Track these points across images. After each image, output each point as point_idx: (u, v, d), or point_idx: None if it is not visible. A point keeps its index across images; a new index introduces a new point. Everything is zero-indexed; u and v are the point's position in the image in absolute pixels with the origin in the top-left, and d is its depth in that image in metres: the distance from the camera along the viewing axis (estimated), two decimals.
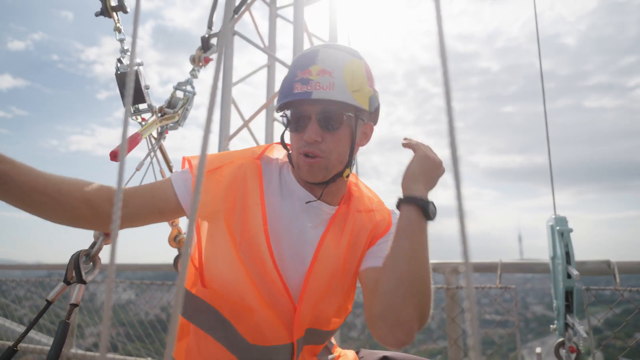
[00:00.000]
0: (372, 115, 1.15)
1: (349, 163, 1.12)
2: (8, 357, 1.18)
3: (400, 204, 1.02)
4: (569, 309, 1.88)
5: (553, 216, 1.97)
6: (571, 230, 1.90)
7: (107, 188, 1.04)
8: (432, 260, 2.38)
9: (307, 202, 1.14)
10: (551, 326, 1.97)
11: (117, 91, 1.51)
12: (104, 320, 0.35)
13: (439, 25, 0.33)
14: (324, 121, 1.05)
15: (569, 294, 1.88)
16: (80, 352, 3.18)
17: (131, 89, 0.37)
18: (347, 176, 1.14)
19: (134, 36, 0.41)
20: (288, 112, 1.10)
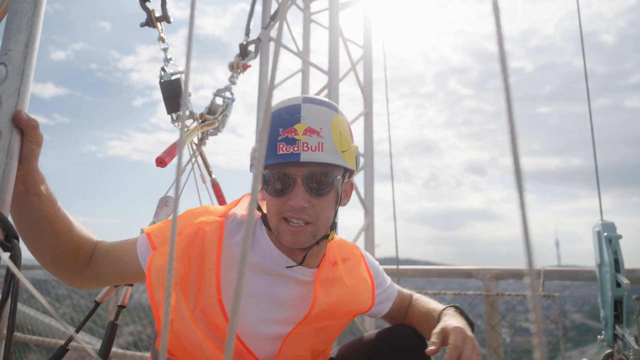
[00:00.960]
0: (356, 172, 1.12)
1: (334, 225, 1.07)
2: (60, 356, 1.23)
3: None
4: (617, 319, 1.79)
5: (600, 222, 1.89)
6: (620, 237, 1.81)
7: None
8: (470, 265, 2.34)
9: (287, 267, 1.07)
10: (598, 337, 1.88)
11: (152, 97, 1.62)
12: (164, 325, 0.36)
13: (498, 33, 0.32)
14: (312, 185, 0.98)
15: (617, 304, 1.79)
16: (120, 351, 3.29)
17: (186, 98, 0.38)
18: (332, 239, 1.09)
19: (189, 46, 0.42)
20: (266, 172, 1.00)
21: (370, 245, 2.58)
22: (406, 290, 1.39)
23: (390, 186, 2.72)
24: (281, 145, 0.95)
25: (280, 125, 0.97)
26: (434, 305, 1.23)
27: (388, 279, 1.32)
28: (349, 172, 1.07)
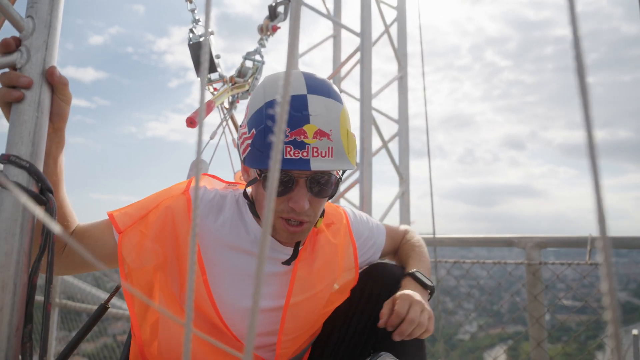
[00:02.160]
0: None
1: (322, 212, 1.03)
2: (100, 314, 1.27)
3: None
4: None
5: None
6: None
7: (75, 225, 1.00)
8: (510, 234, 2.24)
9: (283, 263, 1.04)
10: None
11: (187, 79, 1.60)
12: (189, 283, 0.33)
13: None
14: (315, 187, 0.93)
15: None
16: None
17: (206, 61, 0.35)
18: (319, 226, 1.06)
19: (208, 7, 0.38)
20: (266, 171, 0.93)
21: (405, 213, 2.52)
22: (398, 228, 1.35)
23: (425, 162, 2.63)
24: (288, 149, 0.87)
25: (287, 124, 0.88)
26: (410, 261, 1.21)
27: (374, 228, 1.26)
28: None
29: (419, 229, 1.40)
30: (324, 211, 1.04)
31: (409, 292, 1.04)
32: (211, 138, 1.49)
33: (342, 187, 2.44)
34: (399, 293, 1.04)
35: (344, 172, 1.03)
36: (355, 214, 1.25)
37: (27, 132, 0.86)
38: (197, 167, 0.36)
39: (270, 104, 0.91)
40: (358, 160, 2.17)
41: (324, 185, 0.94)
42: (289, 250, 1.05)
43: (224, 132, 1.55)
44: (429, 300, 1.11)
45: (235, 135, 1.65)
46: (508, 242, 2.25)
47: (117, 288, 1.31)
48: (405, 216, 2.51)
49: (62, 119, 0.88)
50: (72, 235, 0.99)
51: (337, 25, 2.70)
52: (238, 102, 1.61)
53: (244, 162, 0.96)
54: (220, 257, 1.01)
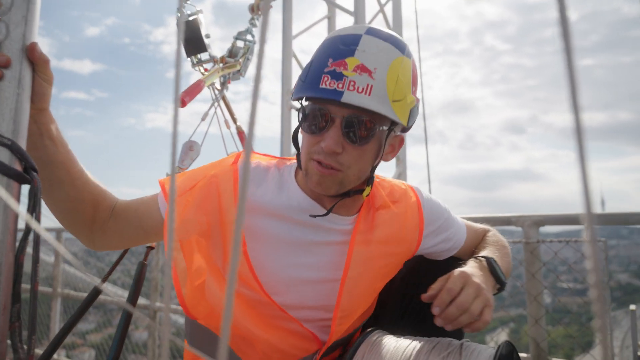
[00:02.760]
0: (408, 127, 0.98)
1: (370, 180, 0.97)
2: (94, 297, 1.28)
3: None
4: None
5: None
6: None
7: (116, 200, 0.99)
8: (509, 213, 2.24)
9: (311, 215, 0.97)
10: None
11: (185, 69, 1.54)
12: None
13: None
14: (350, 130, 0.86)
15: None
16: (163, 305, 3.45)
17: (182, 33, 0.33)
18: (367, 195, 0.98)
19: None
20: (306, 104, 0.90)
21: None
22: (479, 226, 1.22)
23: (425, 148, 2.62)
24: (325, 79, 0.84)
25: (331, 54, 0.85)
26: (489, 251, 1.08)
27: (456, 224, 1.15)
28: (400, 125, 0.93)
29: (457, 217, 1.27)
30: (372, 180, 0.98)
31: (469, 269, 0.92)
32: (202, 119, 1.47)
33: None
34: (456, 270, 0.91)
35: (402, 129, 0.96)
36: (431, 197, 1.13)
37: (8, 110, 0.85)
38: (173, 154, 0.35)
39: (327, 40, 0.90)
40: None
41: (359, 131, 0.86)
42: (346, 221, 1.00)
43: (215, 113, 1.54)
44: (494, 295, 0.98)
45: (228, 116, 1.63)
46: (506, 221, 2.24)
47: (119, 259, 1.31)
48: None
49: (44, 99, 0.86)
50: (113, 213, 0.97)
51: (332, 5, 2.66)
52: (229, 82, 1.59)
53: (292, 97, 0.96)
54: (260, 226, 0.97)
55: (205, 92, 1.62)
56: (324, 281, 1.01)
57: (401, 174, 2.49)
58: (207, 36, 1.52)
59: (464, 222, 1.17)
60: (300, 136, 0.96)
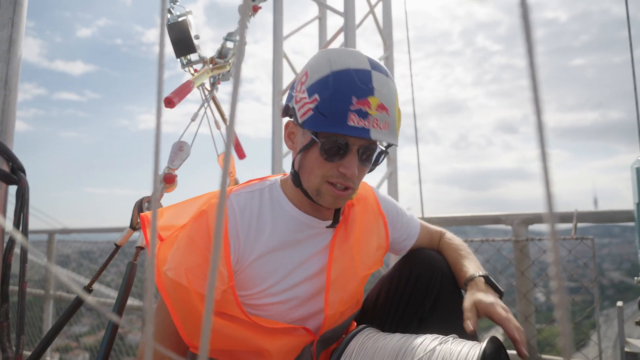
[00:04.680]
0: None
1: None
2: (80, 302, 1.28)
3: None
4: None
5: (638, 158, 1.76)
6: None
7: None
8: (500, 212, 2.26)
9: (327, 227, 1.09)
10: (635, 278, 1.80)
11: (177, 70, 1.57)
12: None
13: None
14: (365, 157, 1.01)
15: None
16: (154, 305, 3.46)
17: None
18: (354, 196, 1.13)
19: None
20: (326, 136, 0.98)
21: (393, 194, 2.52)
22: (435, 227, 1.39)
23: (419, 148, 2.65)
24: (352, 116, 0.93)
25: (353, 92, 0.94)
26: (464, 262, 1.22)
27: (407, 216, 1.32)
28: None
29: (416, 215, 1.41)
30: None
31: (485, 297, 1.08)
32: (192, 120, 1.48)
33: None
34: (485, 301, 1.07)
35: (388, 147, 1.08)
36: (379, 192, 1.31)
37: None
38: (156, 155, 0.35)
39: (338, 73, 0.96)
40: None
41: (373, 157, 1.03)
42: (328, 222, 1.10)
43: (205, 114, 1.54)
44: None
45: (218, 117, 1.64)
46: (496, 220, 2.26)
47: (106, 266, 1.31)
48: (393, 196, 2.51)
49: None
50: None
51: (322, 7, 2.67)
52: (219, 83, 1.60)
53: (302, 125, 0.99)
54: (267, 261, 1.04)
55: (197, 93, 1.62)
56: (314, 276, 1.09)
57: (392, 174, 2.50)
58: (197, 37, 1.53)
59: (417, 219, 1.35)
60: (298, 158, 1.04)
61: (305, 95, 0.98)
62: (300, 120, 0.99)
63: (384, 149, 1.05)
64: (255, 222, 1.04)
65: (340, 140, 0.97)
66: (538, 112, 0.31)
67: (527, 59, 0.29)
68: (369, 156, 1.01)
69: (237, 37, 1.65)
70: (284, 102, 2.85)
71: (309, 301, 1.09)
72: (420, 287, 1.18)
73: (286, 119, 1.09)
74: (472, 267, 1.20)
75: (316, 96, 0.96)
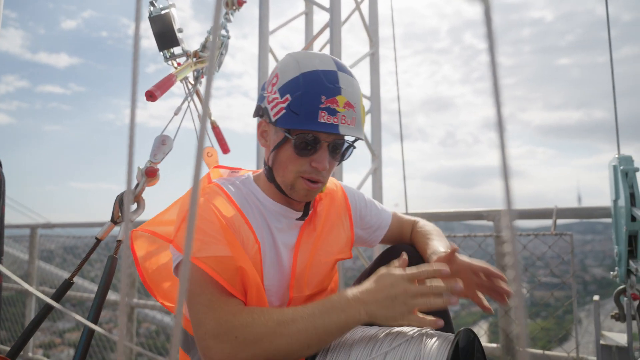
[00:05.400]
0: None
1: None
2: (65, 289, 1.27)
3: None
4: (631, 254, 1.74)
5: (616, 156, 1.81)
6: (637, 170, 1.73)
7: None
8: (481, 208, 2.29)
9: (297, 219, 1.16)
10: (611, 273, 1.84)
11: (164, 64, 1.55)
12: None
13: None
14: (334, 151, 1.09)
15: (632, 239, 1.73)
16: (142, 301, 3.45)
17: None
18: (324, 190, 1.21)
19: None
20: (296, 132, 1.05)
21: (377, 190, 2.54)
22: (408, 217, 1.44)
23: (405, 145, 2.67)
24: (323, 114, 1.01)
25: (322, 92, 1.01)
26: (430, 243, 1.26)
27: (378, 208, 1.39)
28: None
29: (401, 211, 1.47)
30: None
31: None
32: (175, 114, 1.47)
33: None
34: (461, 258, 1.13)
35: (354, 141, 1.14)
36: (348, 186, 1.39)
37: None
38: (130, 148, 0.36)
39: (308, 74, 1.03)
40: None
41: (341, 152, 1.11)
42: (300, 213, 1.17)
43: (188, 108, 1.54)
44: None
45: (202, 111, 1.64)
46: (477, 216, 2.30)
47: (81, 264, 1.30)
48: (377, 192, 2.53)
49: None
50: None
51: (309, 2, 2.67)
52: (203, 77, 1.59)
53: (275, 123, 1.05)
54: (263, 241, 1.11)
55: (182, 87, 1.62)
56: (283, 264, 1.15)
57: (377, 170, 2.52)
58: (180, 30, 1.52)
59: (390, 211, 1.43)
60: (272, 156, 1.11)
61: (277, 95, 1.05)
62: (273, 119, 1.06)
63: (350, 143, 1.11)
64: (246, 205, 1.12)
65: (312, 137, 1.04)
66: (498, 107, 0.32)
67: (489, 55, 0.30)
68: (338, 151, 1.09)
69: (222, 31, 1.64)
70: None
71: (279, 290, 1.14)
72: None
73: (258, 119, 1.15)
74: (438, 244, 1.24)
75: (288, 96, 1.03)
